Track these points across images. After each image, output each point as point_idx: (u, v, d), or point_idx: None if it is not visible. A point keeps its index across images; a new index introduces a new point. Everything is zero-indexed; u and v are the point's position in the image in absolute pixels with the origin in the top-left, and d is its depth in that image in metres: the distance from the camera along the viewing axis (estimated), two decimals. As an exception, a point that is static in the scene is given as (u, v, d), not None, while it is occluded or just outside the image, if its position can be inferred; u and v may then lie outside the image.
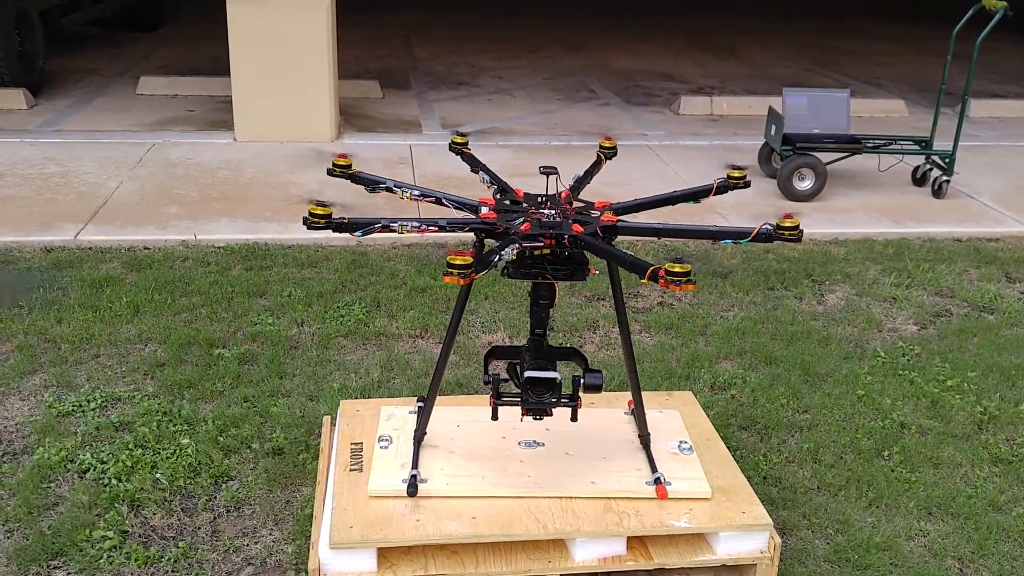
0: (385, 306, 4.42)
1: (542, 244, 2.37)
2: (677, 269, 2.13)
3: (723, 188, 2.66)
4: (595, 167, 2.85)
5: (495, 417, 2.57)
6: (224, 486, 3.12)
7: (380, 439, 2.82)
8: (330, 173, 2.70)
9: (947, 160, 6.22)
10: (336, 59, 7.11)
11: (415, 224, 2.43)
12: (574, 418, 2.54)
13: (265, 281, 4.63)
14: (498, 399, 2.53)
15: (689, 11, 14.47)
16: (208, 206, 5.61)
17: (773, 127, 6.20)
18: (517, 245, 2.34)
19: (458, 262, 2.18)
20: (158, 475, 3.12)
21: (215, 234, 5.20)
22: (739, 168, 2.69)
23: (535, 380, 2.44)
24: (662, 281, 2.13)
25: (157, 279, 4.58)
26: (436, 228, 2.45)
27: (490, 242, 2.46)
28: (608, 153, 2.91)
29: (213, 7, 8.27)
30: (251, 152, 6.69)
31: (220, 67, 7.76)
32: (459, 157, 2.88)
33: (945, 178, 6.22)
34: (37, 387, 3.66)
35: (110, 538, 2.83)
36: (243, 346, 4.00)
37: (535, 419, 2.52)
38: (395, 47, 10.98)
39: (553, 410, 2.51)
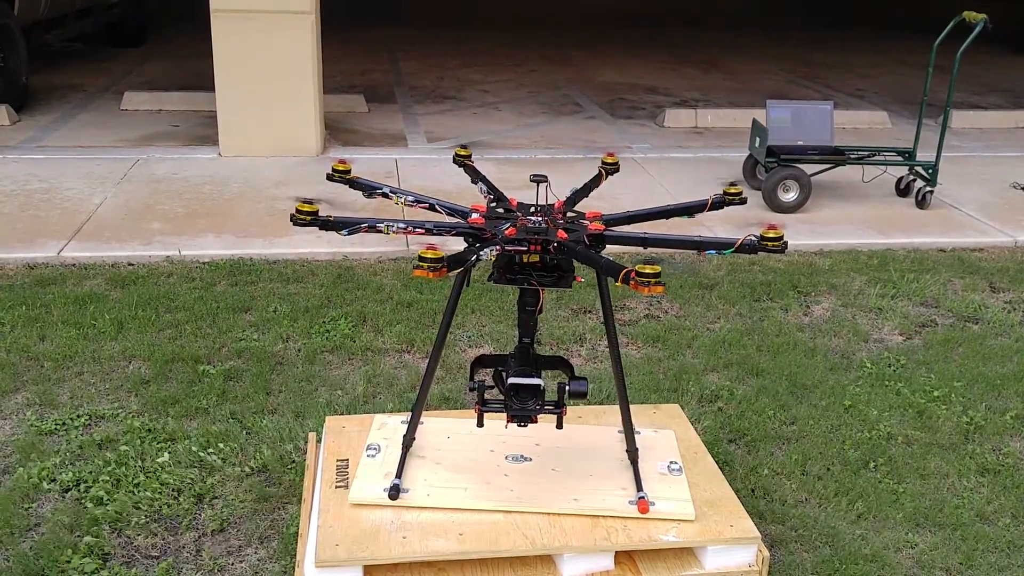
0: (371, 321, 4.40)
1: (526, 248, 2.38)
2: (647, 270, 2.16)
3: (719, 204, 2.68)
4: (595, 181, 2.87)
5: (480, 424, 2.58)
6: (208, 504, 3.09)
7: (368, 447, 2.81)
8: (329, 178, 2.76)
9: (930, 171, 6.26)
10: (321, 74, 7.11)
11: (401, 225, 2.44)
12: (559, 425, 2.54)
13: (250, 297, 4.61)
14: (484, 406, 2.53)
15: (672, 25, 14.56)
16: (193, 222, 5.58)
17: (757, 139, 6.23)
18: (498, 248, 2.35)
19: (429, 256, 2.18)
20: (141, 494, 3.09)
21: (200, 250, 5.17)
22: (735, 184, 2.72)
23: (518, 386, 2.44)
24: (633, 283, 2.16)
25: (141, 295, 4.55)
26: (423, 230, 2.47)
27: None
28: (609, 169, 2.93)
29: (197, 23, 8.27)
30: (236, 167, 6.67)
31: (205, 82, 7.74)
32: (462, 169, 2.94)
33: (928, 189, 6.25)
34: (19, 405, 3.62)
35: (92, 559, 2.80)
36: (228, 362, 3.98)
37: (520, 426, 2.52)
38: (380, 62, 11.00)
39: (543, 423, 2.50)
